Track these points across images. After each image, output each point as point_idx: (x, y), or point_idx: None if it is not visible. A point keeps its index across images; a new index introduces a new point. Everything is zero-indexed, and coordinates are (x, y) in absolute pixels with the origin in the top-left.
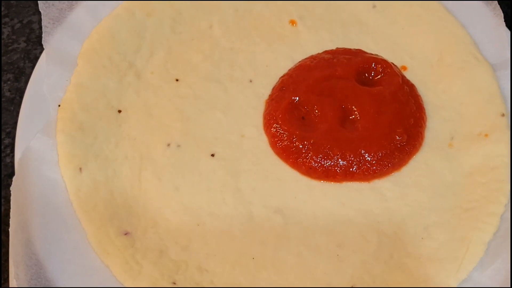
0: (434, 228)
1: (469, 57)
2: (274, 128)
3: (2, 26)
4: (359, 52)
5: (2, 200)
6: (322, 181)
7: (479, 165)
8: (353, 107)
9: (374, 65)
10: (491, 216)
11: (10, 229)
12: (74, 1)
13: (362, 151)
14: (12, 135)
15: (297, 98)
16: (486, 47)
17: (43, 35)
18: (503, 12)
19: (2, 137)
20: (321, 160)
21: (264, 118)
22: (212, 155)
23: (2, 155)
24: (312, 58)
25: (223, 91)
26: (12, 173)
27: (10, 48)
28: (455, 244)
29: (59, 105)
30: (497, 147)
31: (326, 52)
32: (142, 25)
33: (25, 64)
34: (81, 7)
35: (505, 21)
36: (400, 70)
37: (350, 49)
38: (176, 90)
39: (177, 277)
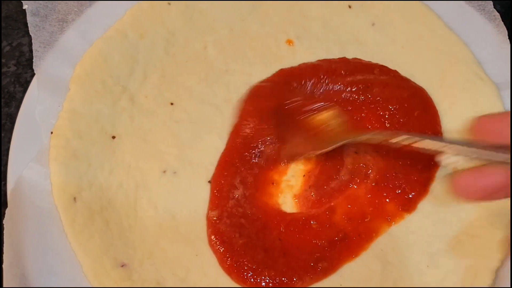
0: (440, 256)
1: (472, 76)
2: None
3: None
4: None
5: None
6: None
7: None
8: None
9: None
10: (499, 243)
11: (4, 265)
12: (65, 24)
13: None
14: (3, 163)
15: None
16: (490, 66)
17: (34, 60)
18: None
19: None
20: None
21: None
22: (209, 181)
23: None
24: None
25: (219, 114)
26: (4, 203)
27: None
28: (462, 272)
29: (51, 132)
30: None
31: None
32: (135, 47)
33: (16, 89)
34: (72, 29)
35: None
36: None
37: None
38: (171, 114)
39: None
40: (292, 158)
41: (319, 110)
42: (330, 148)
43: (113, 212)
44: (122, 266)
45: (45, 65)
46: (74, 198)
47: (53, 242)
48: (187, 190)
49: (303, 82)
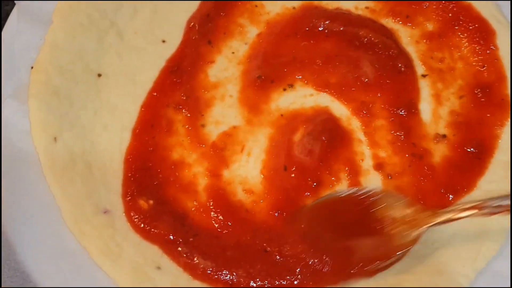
0: None
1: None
2: None
3: None
4: None
5: None
6: None
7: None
8: None
9: None
10: None
11: None
12: None
13: None
14: None
15: None
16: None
17: None
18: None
19: None
20: None
21: None
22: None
23: None
24: None
25: None
26: None
27: None
28: (473, 230)
29: (31, 67)
30: None
31: None
32: None
33: None
34: None
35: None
36: None
37: None
38: (162, 53)
39: (162, 261)
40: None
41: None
42: (415, 238)
43: (96, 155)
44: (105, 212)
45: None
46: (55, 138)
47: (31, 185)
48: None
49: None
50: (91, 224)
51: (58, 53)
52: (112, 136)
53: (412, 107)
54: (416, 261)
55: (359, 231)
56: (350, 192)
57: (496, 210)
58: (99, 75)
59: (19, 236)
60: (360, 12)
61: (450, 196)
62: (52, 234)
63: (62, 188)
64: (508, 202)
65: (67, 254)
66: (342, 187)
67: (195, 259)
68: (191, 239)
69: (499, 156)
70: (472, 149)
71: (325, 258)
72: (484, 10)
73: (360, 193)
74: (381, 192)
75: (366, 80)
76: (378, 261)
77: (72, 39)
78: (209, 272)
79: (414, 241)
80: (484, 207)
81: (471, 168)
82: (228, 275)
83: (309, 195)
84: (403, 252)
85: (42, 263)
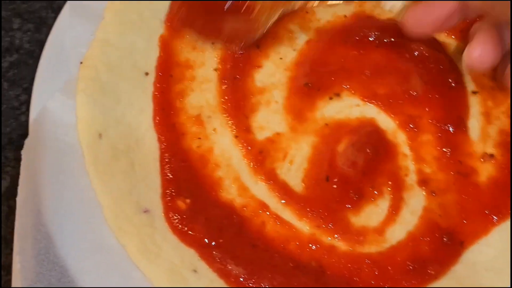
0: (493, 233)
1: None
2: None
3: None
4: None
5: (14, 162)
6: None
7: None
8: None
9: None
10: None
11: (18, 198)
12: None
13: None
14: (29, 92)
15: None
16: None
17: None
18: None
19: (18, 93)
20: None
21: None
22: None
23: (17, 112)
24: None
25: None
26: (25, 134)
27: None
28: None
29: (81, 62)
30: None
31: None
32: None
33: (48, 14)
34: None
35: None
36: None
37: None
38: (212, 53)
39: (199, 264)
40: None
41: None
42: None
43: (140, 153)
44: (145, 211)
45: None
46: (100, 135)
47: (73, 179)
48: None
49: None
50: (131, 222)
51: (108, 50)
52: (156, 136)
53: (460, 124)
54: (454, 282)
55: (228, 14)
56: None
57: None
58: (147, 73)
59: (59, 230)
60: None
61: (495, 217)
62: (92, 229)
63: (104, 184)
64: None
65: (106, 251)
66: (384, 202)
67: (228, 265)
68: (221, 241)
69: None
70: None
71: None
72: None
73: None
74: None
75: (415, 93)
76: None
77: (122, 36)
78: (241, 280)
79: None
80: None
81: None
82: (262, 285)
83: (350, 207)
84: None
85: (80, 258)
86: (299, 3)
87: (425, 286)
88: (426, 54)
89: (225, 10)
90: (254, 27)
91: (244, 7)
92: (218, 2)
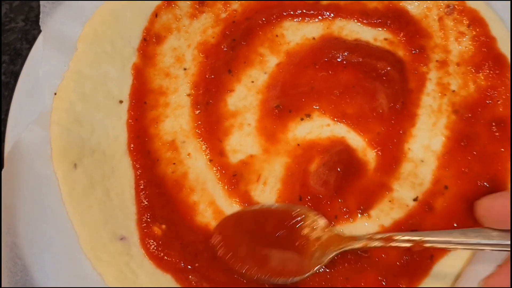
0: None
1: (507, 54)
2: None
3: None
4: None
5: None
6: None
7: None
8: None
9: None
10: None
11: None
12: None
13: None
14: (4, 123)
15: None
16: None
17: (40, 16)
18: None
19: None
20: None
21: None
22: None
23: None
24: None
25: None
26: (1, 166)
27: (7, 27)
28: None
29: (55, 93)
30: None
31: None
32: (150, 7)
33: (23, 46)
34: None
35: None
36: None
37: None
38: (186, 79)
39: None
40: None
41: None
42: (326, 262)
43: (115, 181)
44: (121, 239)
45: (53, 22)
46: (75, 165)
47: (49, 210)
48: None
49: None
50: (107, 251)
51: (81, 80)
52: (131, 163)
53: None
54: None
55: (279, 244)
56: (279, 206)
57: (403, 244)
58: (121, 101)
59: (37, 262)
60: (378, 44)
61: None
62: (69, 259)
63: (80, 214)
64: (417, 238)
65: (83, 280)
66: (356, 219)
67: None
68: (197, 265)
69: None
70: (485, 183)
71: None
72: (502, 46)
73: (288, 209)
74: (306, 211)
75: (381, 111)
76: (288, 276)
77: (95, 66)
78: None
79: (322, 263)
80: (393, 240)
81: None
82: None
83: None
84: (310, 273)
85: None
86: (359, 244)
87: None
88: (392, 73)
89: (276, 236)
90: (305, 264)
91: (299, 239)
92: (269, 227)
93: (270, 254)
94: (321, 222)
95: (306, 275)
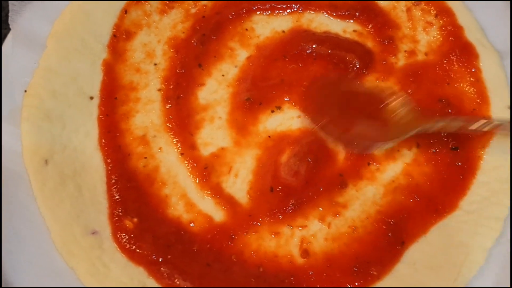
0: (432, 231)
1: (474, 43)
2: None
3: None
4: None
5: None
6: None
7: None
8: None
9: None
10: (494, 220)
11: None
12: None
13: None
14: None
15: None
16: (493, 33)
17: (9, 14)
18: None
19: None
20: None
21: None
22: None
23: None
24: None
25: None
26: None
27: None
28: (454, 250)
29: (25, 91)
30: (501, 144)
31: None
32: (119, 4)
33: None
34: None
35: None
36: None
37: None
38: (156, 74)
39: (148, 281)
40: (362, 149)
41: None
42: (403, 138)
43: (86, 176)
44: (93, 233)
45: (22, 20)
46: (46, 161)
47: (21, 207)
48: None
49: None
50: (79, 245)
51: (52, 77)
52: (102, 158)
53: None
54: (397, 281)
55: (364, 115)
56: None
57: (482, 127)
58: (91, 97)
59: (8, 256)
60: (348, 36)
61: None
62: (41, 254)
63: (52, 209)
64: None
65: (55, 275)
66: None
67: (176, 280)
68: (169, 257)
69: (481, 178)
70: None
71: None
72: (469, 34)
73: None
74: (393, 92)
75: None
76: (374, 140)
77: (66, 63)
78: None
79: (404, 134)
80: (474, 121)
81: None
82: None
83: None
84: (393, 142)
85: (30, 283)
86: (438, 125)
87: (369, 287)
88: (359, 65)
89: (363, 109)
90: (385, 136)
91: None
92: (357, 102)
93: (355, 121)
94: (408, 103)
95: (390, 141)
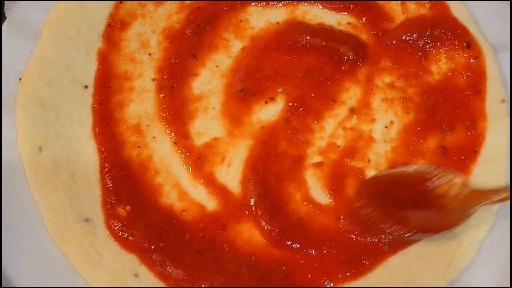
0: None
1: None
2: None
3: None
4: None
5: None
6: None
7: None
8: None
9: None
10: (486, 212)
11: None
12: None
13: None
14: None
15: None
16: (487, 26)
17: (5, 3)
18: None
19: None
20: None
21: None
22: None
23: None
24: None
25: None
26: None
27: None
28: (445, 241)
29: (20, 79)
30: (495, 137)
31: None
32: None
33: None
34: None
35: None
36: None
37: None
38: (151, 64)
39: (140, 268)
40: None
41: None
42: (471, 216)
43: (80, 164)
44: (86, 220)
45: (17, 9)
46: (40, 148)
47: (14, 193)
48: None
49: None
50: (72, 232)
51: (46, 65)
52: (96, 146)
53: None
54: (388, 271)
55: (416, 204)
56: (415, 169)
57: None
58: (86, 86)
59: (2, 243)
60: (342, 28)
61: None
62: (35, 241)
63: (45, 196)
64: None
65: (48, 261)
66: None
67: (168, 268)
68: (161, 245)
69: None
70: None
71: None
72: None
73: (422, 170)
74: (440, 170)
75: None
76: (430, 233)
77: (60, 52)
78: (182, 282)
79: (467, 217)
80: None
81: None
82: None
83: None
84: (455, 228)
85: (23, 269)
86: (500, 196)
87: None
88: (353, 57)
89: (414, 199)
90: (447, 221)
91: (437, 199)
92: (404, 190)
93: (409, 214)
94: (458, 180)
95: (451, 229)
